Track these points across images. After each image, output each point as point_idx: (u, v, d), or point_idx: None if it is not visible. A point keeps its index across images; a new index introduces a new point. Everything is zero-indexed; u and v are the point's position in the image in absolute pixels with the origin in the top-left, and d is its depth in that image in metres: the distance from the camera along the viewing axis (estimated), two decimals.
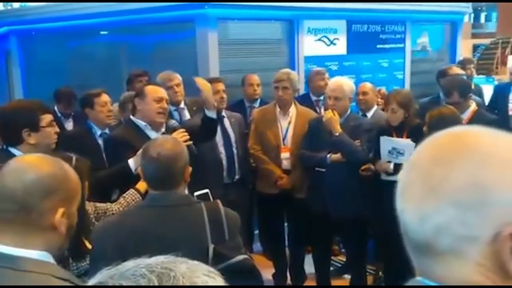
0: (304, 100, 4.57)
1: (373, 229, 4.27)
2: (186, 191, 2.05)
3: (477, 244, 0.67)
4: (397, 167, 3.46)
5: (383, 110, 4.26)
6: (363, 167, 3.65)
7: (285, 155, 3.96)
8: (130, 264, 0.63)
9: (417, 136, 3.31)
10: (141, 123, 3.05)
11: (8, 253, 1.19)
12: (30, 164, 1.27)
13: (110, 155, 3.07)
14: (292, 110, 3.99)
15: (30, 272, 1.16)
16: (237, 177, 3.95)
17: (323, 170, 3.69)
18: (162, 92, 3.12)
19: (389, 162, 3.58)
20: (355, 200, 3.67)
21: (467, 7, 7.02)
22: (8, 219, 1.21)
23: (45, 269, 1.20)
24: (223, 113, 3.95)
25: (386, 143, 3.57)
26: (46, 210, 1.23)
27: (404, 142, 3.49)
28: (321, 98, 4.63)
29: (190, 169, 1.94)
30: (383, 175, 3.57)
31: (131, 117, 3.12)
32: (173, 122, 3.15)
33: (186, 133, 2.99)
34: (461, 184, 0.68)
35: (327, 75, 4.80)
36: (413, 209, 0.71)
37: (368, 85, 4.45)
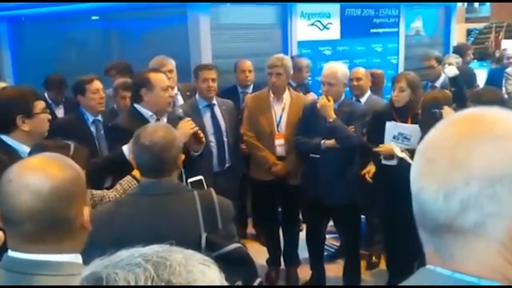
0: None
1: (368, 214, 4.30)
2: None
3: (503, 221, 0.65)
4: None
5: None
6: (378, 148, 3.58)
7: (279, 141, 3.94)
8: (124, 253, 0.62)
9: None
10: (147, 112, 2.97)
11: (48, 260, 1.12)
12: (40, 173, 1.13)
13: (114, 144, 3.01)
14: (286, 96, 3.96)
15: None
16: (227, 165, 3.93)
17: (317, 156, 3.68)
18: (167, 80, 3.10)
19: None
20: (349, 186, 3.67)
21: None
22: (34, 236, 1.13)
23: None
24: (214, 101, 3.91)
25: (392, 128, 3.56)
26: (73, 216, 1.16)
27: (412, 127, 3.48)
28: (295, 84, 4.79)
29: (182, 157, 1.92)
30: (384, 160, 3.56)
31: (136, 105, 3.03)
32: (179, 112, 3.12)
33: (192, 122, 2.98)
34: (490, 158, 0.65)
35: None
36: (436, 186, 0.68)
37: (361, 71, 4.43)
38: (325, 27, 5.57)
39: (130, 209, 1.85)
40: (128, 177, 2.41)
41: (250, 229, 4.90)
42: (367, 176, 3.72)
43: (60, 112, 4.81)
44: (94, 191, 2.30)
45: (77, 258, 1.18)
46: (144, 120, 2.89)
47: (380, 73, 4.81)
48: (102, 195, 2.31)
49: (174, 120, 2.95)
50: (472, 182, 0.65)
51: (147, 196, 1.86)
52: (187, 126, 2.94)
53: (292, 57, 4.67)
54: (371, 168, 3.73)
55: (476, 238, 0.66)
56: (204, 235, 1.76)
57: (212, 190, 1.92)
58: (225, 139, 3.90)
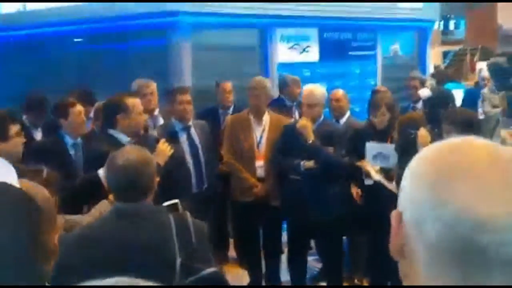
0: (279, 105, 4.61)
1: (351, 236, 4.29)
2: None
3: None
4: (384, 172, 3.47)
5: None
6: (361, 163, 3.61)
7: (259, 162, 3.95)
8: (88, 284, 0.61)
9: None
10: (124, 138, 2.96)
11: None
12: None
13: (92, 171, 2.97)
14: (266, 117, 4.00)
15: None
16: (205, 186, 3.92)
17: (298, 177, 3.70)
18: (140, 104, 3.12)
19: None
20: (330, 207, 3.68)
21: (436, 15, 7.21)
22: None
23: None
24: (190, 123, 3.90)
25: (372, 148, 3.60)
26: (43, 242, 1.16)
27: (391, 146, 3.52)
28: (294, 103, 4.85)
29: (157, 179, 1.91)
30: (366, 180, 3.59)
31: (111, 131, 3.01)
32: (154, 134, 3.12)
33: (168, 144, 2.98)
34: None
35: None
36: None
37: (340, 92, 4.50)
38: (304, 50, 5.69)
39: (103, 233, 1.82)
40: (104, 201, 2.39)
41: (232, 252, 4.85)
42: (355, 194, 3.73)
43: (38, 135, 4.73)
44: (68, 216, 2.26)
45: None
46: (120, 146, 2.88)
47: (385, 91, 4.69)
48: (76, 220, 2.27)
49: (149, 143, 2.94)
50: None
51: (121, 219, 1.83)
52: (165, 148, 2.94)
53: (281, 75, 4.78)
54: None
55: None
56: (178, 260, 1.73)
57: (188, 213, 1.91)
58: (202, 160, 3.90)
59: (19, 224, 1.11)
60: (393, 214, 0.72)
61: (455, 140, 0.72)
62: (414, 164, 0.72)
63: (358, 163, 3.58)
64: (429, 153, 0.72)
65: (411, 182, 0.71)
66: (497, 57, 6.70)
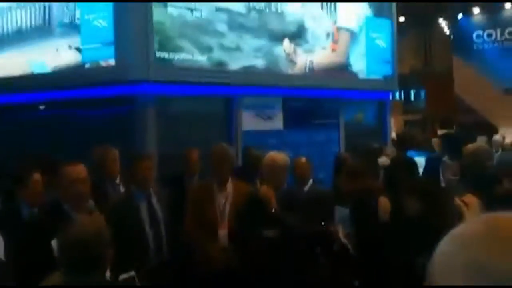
0: None
1: None
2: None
3: None
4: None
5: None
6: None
7: (223, 231, 3.90)
8: None
9: None
10: (67, 206, 2.92)
11: None
12: None
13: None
14: (229, 185, 3.99)
15: None
16: (166, 258, 3.80)
17: (262, 247, 3.65)
18: (81, 173, 3.00)
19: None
20: (294, 276, 3.62)
21: (395, 86, 7.57)
22: None
23: None
24: (150, 191, 3.81)
25: (341, 211, 3.62)
26: None
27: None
28: None
29: (111, 251, 1.86)
30: (335, 245, 3.55)
31: (59, 199, 2.98)
32: (91, 204, 3.02)
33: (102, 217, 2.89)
34: None
35: None
36: None
37: (303, 159, 4.58)
38: (268, 118, 5.83)
39: None
40: (56, 274, 2.29)
41: None
42: None
43: None
44: None
45: None
46: (64, 214, 2.82)
47: (349, 157, 4.79)
48: None
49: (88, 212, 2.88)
50: None
51: None
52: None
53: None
54: None
55: None
56: None
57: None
58: (163, 229, 3.80)
59: None
60: None
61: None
62: (464, 242, 0.74)
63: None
64: (483, 228, 0.75)
65: (460, 254, 0.73)
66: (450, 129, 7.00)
